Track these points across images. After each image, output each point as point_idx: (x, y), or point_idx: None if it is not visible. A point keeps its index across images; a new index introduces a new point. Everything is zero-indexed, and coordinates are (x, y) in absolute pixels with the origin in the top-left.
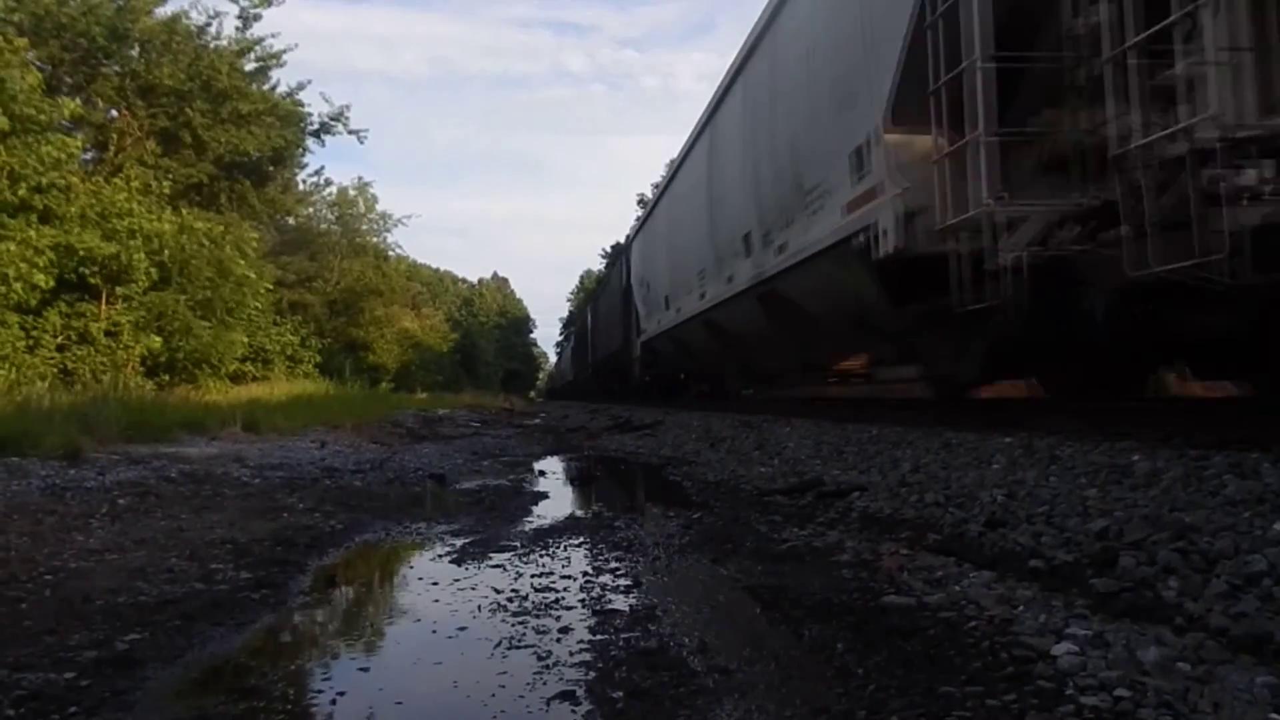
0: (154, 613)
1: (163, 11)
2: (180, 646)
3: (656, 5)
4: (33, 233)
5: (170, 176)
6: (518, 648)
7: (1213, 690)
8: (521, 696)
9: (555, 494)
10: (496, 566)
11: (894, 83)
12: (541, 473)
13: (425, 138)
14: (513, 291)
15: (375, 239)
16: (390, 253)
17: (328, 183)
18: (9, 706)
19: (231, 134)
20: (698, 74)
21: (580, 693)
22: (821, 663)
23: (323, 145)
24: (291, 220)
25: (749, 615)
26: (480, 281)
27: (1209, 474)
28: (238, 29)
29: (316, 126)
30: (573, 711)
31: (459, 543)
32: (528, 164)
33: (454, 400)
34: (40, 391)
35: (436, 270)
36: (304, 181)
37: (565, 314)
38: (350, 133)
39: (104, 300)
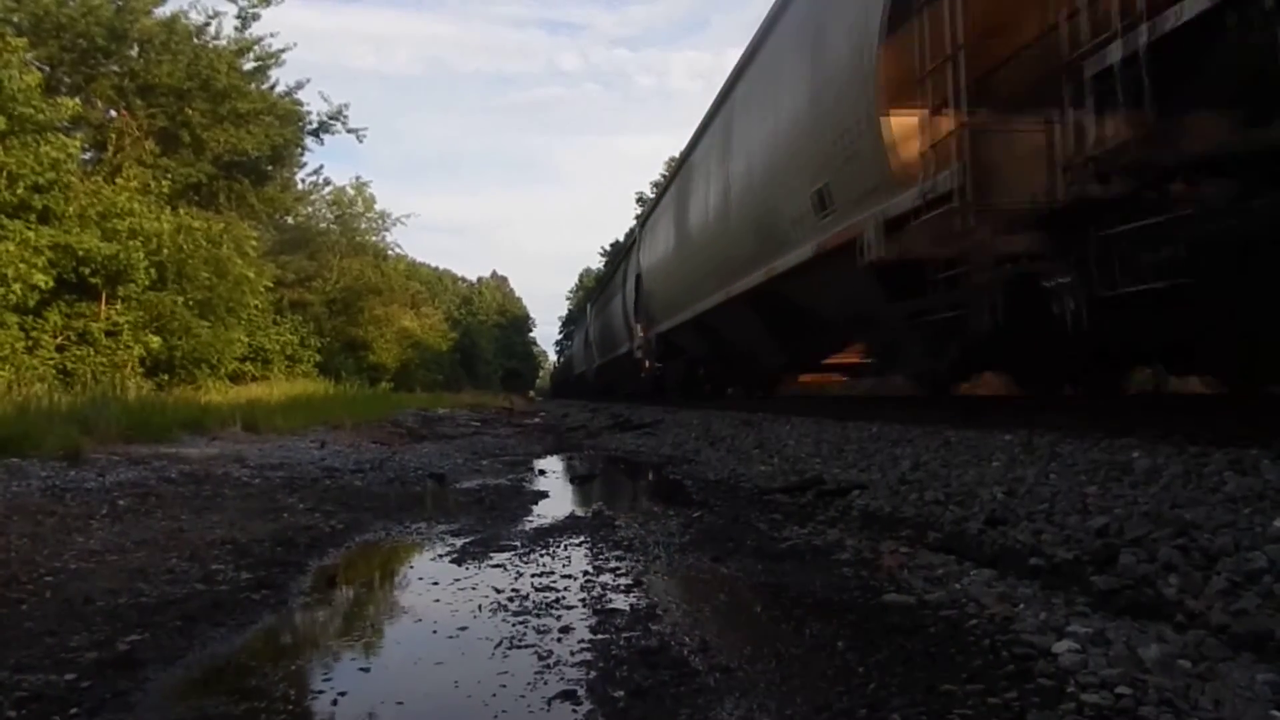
0: (155, 613)
1: (162, 11)
2: (181, 647)
3: (648, 4)
4: (31, 233)
5: (169, 176)
6: (518, 647)
7: (1213, 687)
8: (523, 696)
9: (555, 493)
10: (497, 566)
11: None
12: (541, 472)
13: (422, 137)
14: (512, 290)
15: (374, 238)
16: (389, 252)
17: (326, 182)
18: (10, 708)
19: (230, 133)
20: (692, 72)
21: (581, 692)
22: (822, 661)
23: (321, 144)
24: (290, 219)
25: (750, 614)
26: (479, 280)
27: (1209, 471)
28: (236, 28)
29: (315, 125)
30: (574, 711)
31: (459, 542)
32: (525, 163)
33: (454, 399)
34: (40, 392)
35: (436, 269)
36: (303, 181)
37: (565, 312)
38: (349, 131)
39: (103, 300)
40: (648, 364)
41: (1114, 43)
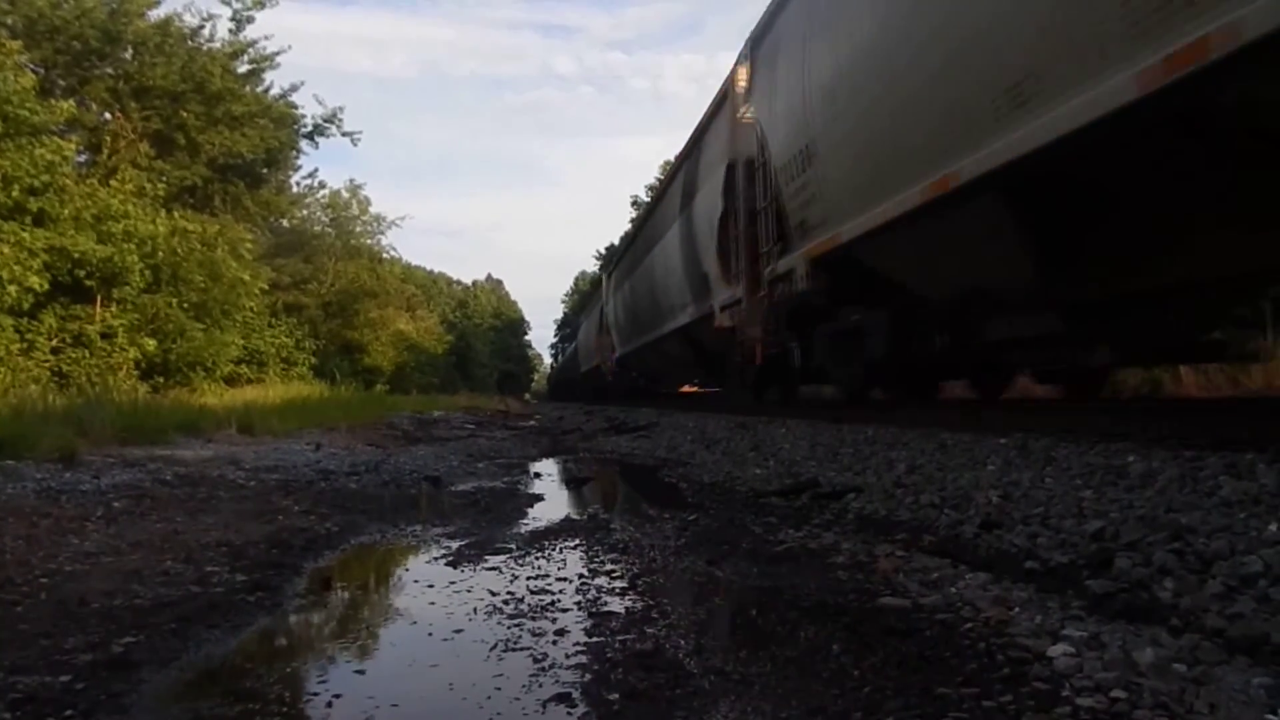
0: (149, 615)
1: (156, 14)
2: (176, 649)
3: (643, 5)
4: (27, 235)
5: (164, 179)
6: (513, 650)
7: (1209, 691)
8: (517, 699)
9: (551, 496)
10: (492, 569)
11: None
12: (537, 475)
13: (417, 140)
14: (507, 293)
15: (370, 241)
16: (385, 255)
17: (322, 185)
18: (5, 710)
19: (225, 136)
20: (686, 75)
21: (576, 695)
22: (817, 664)
23: (316, 147)
24: (286, 222)
25: (745, 617)
26: (475, 283)
27: (1204, 475)
28: (231, 31)
29: (310, 129)
30: (569, 713)
31: (454, 545)
32: (520, 165)
33: (449, 402)
34: (35, 394)
35: (431, 272)
36: (298, 184)
37: (560, 315)
38: (344, 135)
39: (98, 303)
40: (760, 334)
41: None
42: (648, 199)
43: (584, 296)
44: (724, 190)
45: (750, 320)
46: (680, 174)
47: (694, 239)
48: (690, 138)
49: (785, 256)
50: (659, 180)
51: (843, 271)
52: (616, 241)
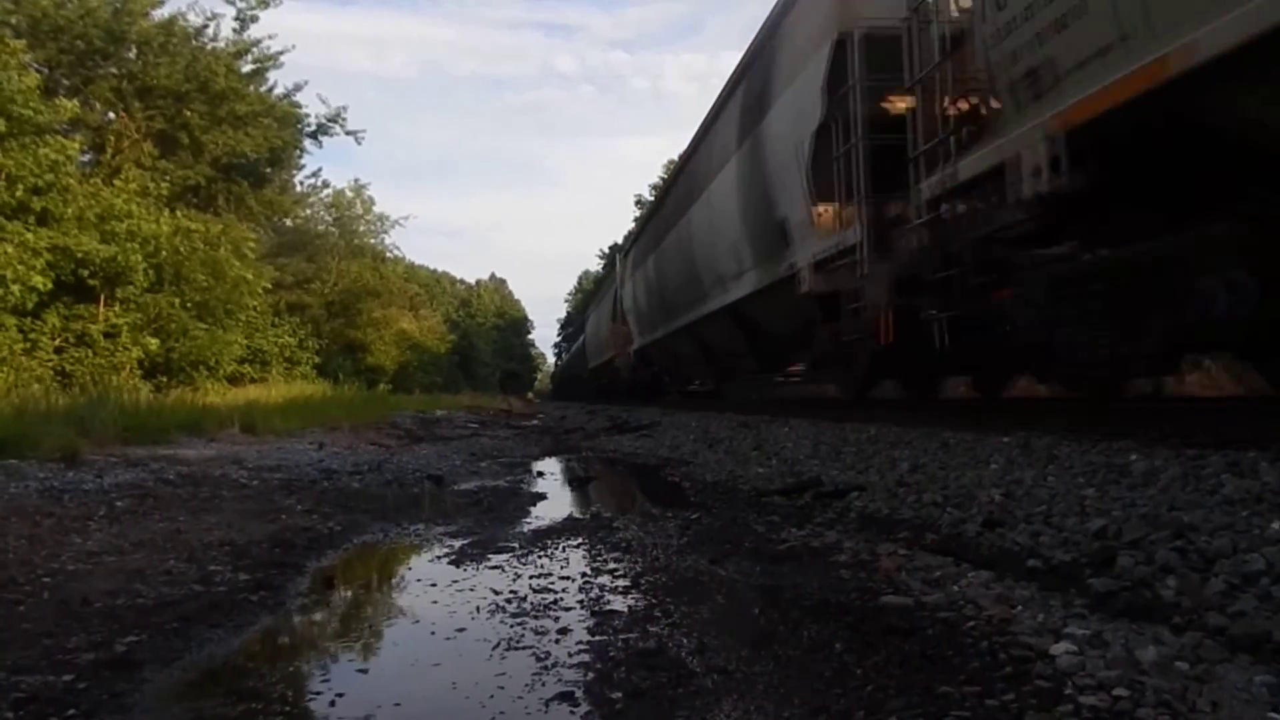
0: (152, 615)
1: (160, 13)
2: (178, 649)
3: (643, 5)
4: (30, 235)
5: (167, 178)
6: (516, 649)
7: (1211, 689)
8: (520, 698)
9: (553, 495)
10: (495, 568)
11: None
12: (540, 474)
13: (418, 140)
14: (510, 292)
15: (373, 240)
16: (388, 254)
17: (325, 184)
18: (8, 709)
19: (229, 135)
20: (687, 75)
21: (579, 694)
22: (820, 663)
23: (320, 146)
24: (289, 222)
25: (747, 615)
26: (478, 282)
27: (1206, 473)
28: (235, 30)
29: (314, 128)
30: (571, 712)
31: (457, 544)
32: (522, 165)
33: (452, 401)
34: (38, 394)
35: (434, 271)
36: (301, 183)
37: (563, 314)
38: (347, 134)
39: (101, 302)
40: (886, 297)
41: None
42: (651, 196)
43: (588, 295)
44: (825, 86)
45: (875, 277)
46: (739, 90)
47: (763, 174)
48: (762, 29)
49: (980, 147)
50: (702, 126)
51: (1152, 148)
52: (620, 240)
